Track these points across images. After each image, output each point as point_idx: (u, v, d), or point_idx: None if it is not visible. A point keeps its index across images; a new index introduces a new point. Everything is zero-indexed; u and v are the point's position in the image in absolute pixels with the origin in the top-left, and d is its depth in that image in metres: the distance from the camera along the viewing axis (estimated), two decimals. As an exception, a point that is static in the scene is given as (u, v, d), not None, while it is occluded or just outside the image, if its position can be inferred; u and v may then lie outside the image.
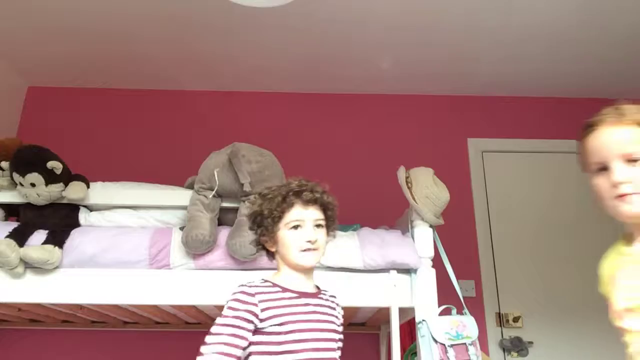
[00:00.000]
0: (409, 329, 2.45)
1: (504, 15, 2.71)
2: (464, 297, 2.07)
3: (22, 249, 1.92)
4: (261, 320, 1.32)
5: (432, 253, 2.06)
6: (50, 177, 2.04)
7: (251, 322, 1.31)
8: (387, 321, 2.09)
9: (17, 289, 1.96)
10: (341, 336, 1.46)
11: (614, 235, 1.32)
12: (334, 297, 1.52)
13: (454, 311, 2.01)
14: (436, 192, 2.08)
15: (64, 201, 2.10)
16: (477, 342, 1.94)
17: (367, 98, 3.49)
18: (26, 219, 2.12)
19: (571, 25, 2.79)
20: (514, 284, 3.07)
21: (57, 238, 1.99)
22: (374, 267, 2.01)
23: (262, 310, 1.32)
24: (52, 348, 2.86)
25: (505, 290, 3.05)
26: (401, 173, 2.15)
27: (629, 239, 1.15)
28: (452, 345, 1.88)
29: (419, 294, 1.99)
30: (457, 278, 2.12)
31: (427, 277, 2.01)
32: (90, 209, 2.19)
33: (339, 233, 2.13)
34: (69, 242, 1.99)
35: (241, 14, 2.65)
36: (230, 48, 3.04)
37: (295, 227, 1.41)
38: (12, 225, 2.07)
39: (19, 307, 2.30)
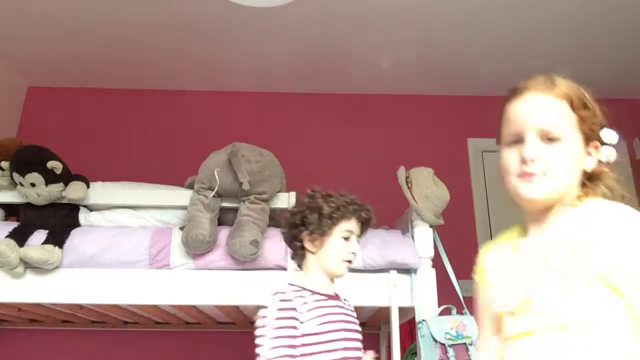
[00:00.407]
0: (409, 329, 2.45)
1: (503, 15, 2.71)
2: (464, 297, 2.07)
3: (22, 249, 1.92)
4: (301, 322, 1.35)
5: (432, 253, 2.06)
6: (50, 177, 2.04)
7: (297, 328, 1.34)
8: (387, 321, 2.08)
9: (17, 289, 1.96)
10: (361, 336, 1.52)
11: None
12: (347, 299, 1.56)
13: (454, 311, 2.01)
14: (436, 192, 2.08)
15: (64, 201, 2.10)
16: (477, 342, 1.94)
17: (367, 98, 3.49)
18: (26, 219, 2.12)
19: (571, 25, 2.79)
20: (514, 284, 3.07)
21: (57, 238, 1.99)
22: (374, 267, 2.01)
23: (301, 313, 1.36)
24: (52, 348, 2.85)
25: (505, 290, 3.04)
26: (401, 173, 2.15)
27: (525, 228, 1.02)
28: (452, 345, 1.88)
29: (419, 294, 1.99)
30: (457, 278, 2.12)
31: (427, 277, 2.01)
32: (90, 209, 2.19)
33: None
34: (69, 242, 2.00)
35: (241, 14, 2.65)
36: (230, 48, 3.03)
37: (347, 238, 1.47)
38: (12, 225, 2.07)
39: (19, 307, 2.30)
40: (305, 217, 1.46)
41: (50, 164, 2.02)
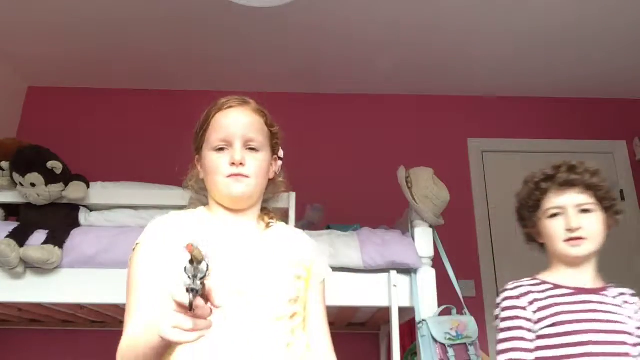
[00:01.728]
0: (409, 329, 2.44)
1: (504, 15, 2.71)
2: (464, 297, 2.07)
3: (22, 249, 1.92)
4: (535, 323, 1.21)
5: (432, 253, 2.06)
6: (50, 177, 2.03)
7: (529, 330, 1.21)
8: (387, 321, 2.09)
9: (17, 289, 1.96)
10: (638, 340, 1.23)
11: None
12: (625, 293, 1.31)
13: (454, 311, 2.01)
14: (436, 192, 2.08)
15: (64, 201, 2.10)
16: (477, 342, 1.94)
17: (367, 98, 3.49)
18: (26, 219, 2.11)
19: (571, 26, 2.79)
20: (514, 284, 3.07)
21: (57, 238, 1.98)
22: (374, 267, 2.00)
23: (534, 312, 1.22)
24: (52, 348, 2.85)
25: (505, 290, 3.04)
26: (401, 173, 2.15)
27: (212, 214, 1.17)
28: (452, 346, 1.88)
29: (419, 294, 1.98)
30: (457, 278, 2.12)
31: (427, 277, 2.01)
32: (90, 209, 2.19)
33: (338, 233, 2.13)
34: (69, 242, 1.99)
35: (241, 14, 2.64)
36: (230, 48, 3.04)
37: (554, 215, 1.29)
38: (12, 225, 2.07)
39: (19, 307, 2.30)
40: (518, 212, 1.40)
41: (50, 164, 2.02)
